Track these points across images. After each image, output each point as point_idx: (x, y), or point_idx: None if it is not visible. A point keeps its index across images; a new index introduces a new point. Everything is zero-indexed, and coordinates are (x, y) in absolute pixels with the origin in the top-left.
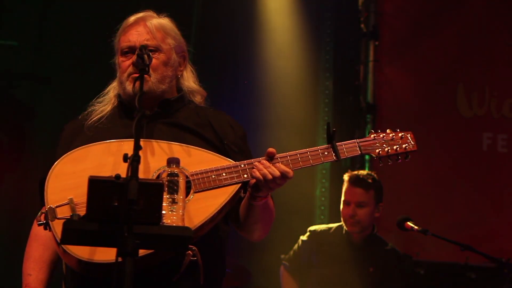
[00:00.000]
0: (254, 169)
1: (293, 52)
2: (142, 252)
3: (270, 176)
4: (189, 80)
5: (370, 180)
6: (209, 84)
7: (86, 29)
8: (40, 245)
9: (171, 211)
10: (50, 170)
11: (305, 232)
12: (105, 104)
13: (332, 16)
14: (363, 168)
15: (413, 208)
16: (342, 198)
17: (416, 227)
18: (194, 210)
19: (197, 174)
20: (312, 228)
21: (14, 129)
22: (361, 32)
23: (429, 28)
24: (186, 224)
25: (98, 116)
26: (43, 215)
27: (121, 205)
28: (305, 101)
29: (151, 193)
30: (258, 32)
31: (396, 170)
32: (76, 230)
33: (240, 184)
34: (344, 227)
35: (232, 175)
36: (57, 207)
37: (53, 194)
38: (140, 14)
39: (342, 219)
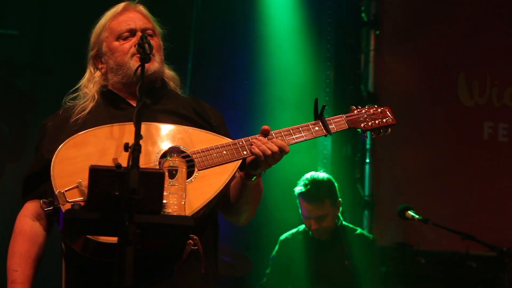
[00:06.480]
0: (253, 146)
1: (294, 41)
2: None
3: (269, 152)
4: (165, 67)
5: (321, 191)
6: (210, 71)
7: (88, 19)
8: (25, 240)
9: (172, 200)
10: (54, 156)
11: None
12: (86, 100)
13: (333, 5)
14: (365, 154)
15: (414, 197)
16: (300, 211)
17: (416, 216)
18: (200, 188)
19: (199, 153)
20: (281, 237)
21: (15, 119)
22: (362, 21)
23: (430, 17)
24: (196, 200)
25: (82, 113)
26: (45, 203)
27: (122, 194)
28: (306, 90)
29: (152, 182)
30: (259, 21)
31: (396, 159)
32: (77, 220)
33: (240, 162)
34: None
35: (233, 152)
36: (66, 191)
37: (61, 179)
38: (125, 3)
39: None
